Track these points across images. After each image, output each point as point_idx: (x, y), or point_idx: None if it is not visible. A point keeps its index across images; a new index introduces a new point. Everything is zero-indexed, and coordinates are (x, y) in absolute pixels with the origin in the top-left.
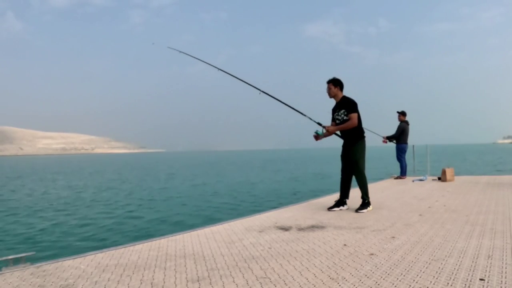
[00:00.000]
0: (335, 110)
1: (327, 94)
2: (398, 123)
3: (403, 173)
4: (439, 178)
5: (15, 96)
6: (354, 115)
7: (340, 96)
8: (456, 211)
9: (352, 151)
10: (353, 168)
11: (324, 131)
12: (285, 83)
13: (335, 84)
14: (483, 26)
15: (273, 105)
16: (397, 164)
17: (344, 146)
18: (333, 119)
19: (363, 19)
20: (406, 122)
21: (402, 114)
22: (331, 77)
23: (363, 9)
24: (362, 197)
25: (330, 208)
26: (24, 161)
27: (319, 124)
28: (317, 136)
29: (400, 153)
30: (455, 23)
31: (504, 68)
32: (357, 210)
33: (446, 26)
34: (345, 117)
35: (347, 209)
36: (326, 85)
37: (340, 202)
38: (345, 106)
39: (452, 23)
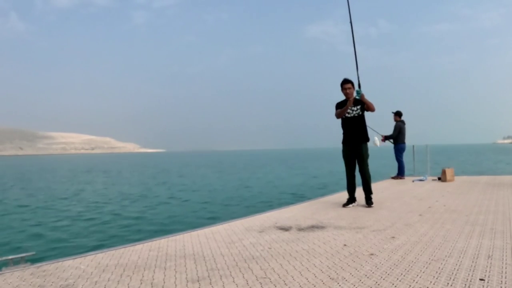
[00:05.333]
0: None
1: (344, 93)
2: (393, 123)
3: (401, 173)
4: (439, 178)
5: (15, 96)
6: (374, 106)
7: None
8: (456, 211)
9: (365, 148)
10: (365, 164)
11: (360, 96)
12: (285, 82)
13: (353, 85)
14: (483, 27)
15: (272, 106)
16: (395, 165)
17: (352, 145)
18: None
19: (364, 20)
20: (402, 122)
21: (397, 114)
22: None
23: (364, 10)
24: (371, 191)
25: (345, 205)
26: (26, 161)
27: (359, 86)
28: (351, 101)
29: (399, 153)
30: (456, 24)
31: (504, 68)
32: (370, 205)
33: (446, 27)
34: (361, 112)
35: (357, 204)
36: (340, 85)
37: (353, 199)
38: (361, 103)
39: (452, 24)
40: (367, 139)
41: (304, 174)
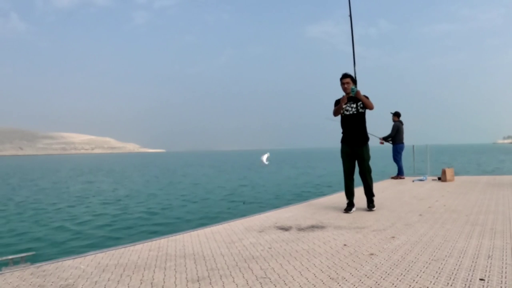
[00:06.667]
0: (348, 100)
1: (343, 88)
2: (392, 124)
3: (401, 173)
4: (439, 178)
5: (15, 96)
6: (372, 104)
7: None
8: (456, 211)
9: (365, 150)
10: (365, 166)
11: (355, 92)
12: (285, 83)
13: (353, 80)
14: (483, 27)
15: (272, 106)
16: (394, 165)
17: (352, 146)
18: (342, 110)
19: (364, 20)
20: (400, 122)
21: (396, 115)
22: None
23: (364, 10)
24: (373, 194)
25: (346, 211)
26: (26, 161)
27: (355, 83)
28: (345, 98)
29: (397, 153)
30: (455, 24)
31: (504, 69)
32: (371, 209)
33: (446, 27)
34: (360, 109)
35: (356, 209)
36: (339, 80)
37: (352, 204)
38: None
39: (452, 24)
40: (367, 139)
41: (308, 174)
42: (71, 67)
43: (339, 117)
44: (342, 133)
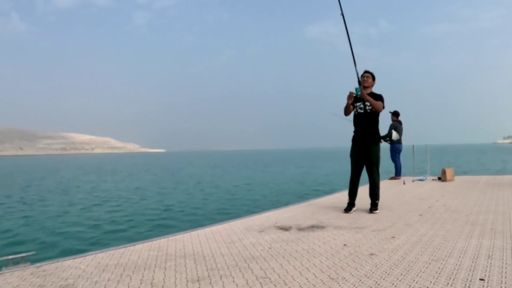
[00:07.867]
0: (358, 99)
1: (362, 81)
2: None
3: (398, 174)
4: (439, 178)
5: (15, 96)
6: (382, 104)
7: (371, 89)
8: (456, 211)
9: (375, 150)
10: (373, 168)
11: (360, 93)
12: (286, 83)
13: (373, 77)
14: (483, 27)
15: (272, 106)
16: (393, 165)
17: (361, 146)
18: (354, 107)
19: (364, 20)
20: (399, 122)
21: (394, 114)
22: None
23: (364, 10)
24: (377, 198)
25: (346, 211)
26: (26, 161)
27: (359, 83)
28: (351, 96)
29: (395, 153)
30: (456, 24)
31: (504, 69)
32: (373, 211)
33: (447, 27)
34: (372, 109)
35: (357, 209)
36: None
37: (353, 204)
38: (376, 99)
39: (452, 24)
40: (377, 139)
41: (310, 173)
42: (71, 67)
43: (350, 116)
44: (354, 132)
